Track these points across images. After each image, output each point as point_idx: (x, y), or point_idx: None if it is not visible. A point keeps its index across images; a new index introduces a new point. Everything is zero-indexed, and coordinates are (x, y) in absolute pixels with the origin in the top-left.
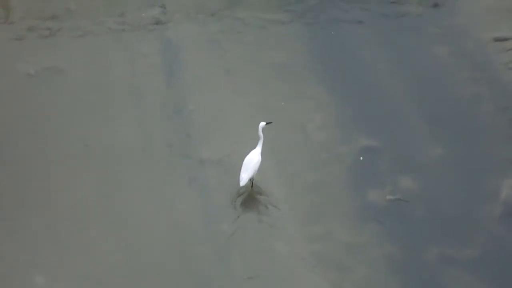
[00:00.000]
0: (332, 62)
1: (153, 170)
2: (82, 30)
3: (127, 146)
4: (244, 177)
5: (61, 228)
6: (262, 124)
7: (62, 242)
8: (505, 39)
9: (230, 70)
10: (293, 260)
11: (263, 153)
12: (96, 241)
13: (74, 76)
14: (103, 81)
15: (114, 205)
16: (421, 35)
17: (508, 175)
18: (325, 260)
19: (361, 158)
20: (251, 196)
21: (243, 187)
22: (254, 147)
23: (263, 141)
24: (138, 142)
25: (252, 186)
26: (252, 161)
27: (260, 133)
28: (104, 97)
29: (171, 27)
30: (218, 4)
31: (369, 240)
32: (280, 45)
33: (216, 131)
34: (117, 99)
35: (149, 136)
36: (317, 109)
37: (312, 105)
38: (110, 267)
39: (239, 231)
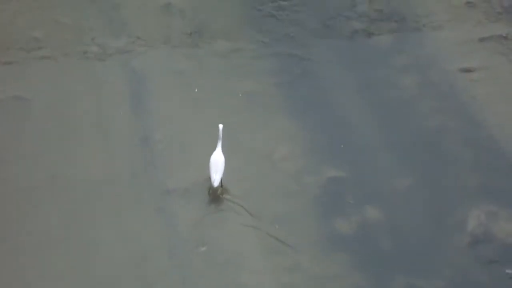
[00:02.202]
0: (299, 92)
1: (119, 201)
2: (48, 59)
3: (92, 176)
4: (217, 178)
5: (24, 260)
6: (221, 126)
7: (24, 275)
8: (471, 70)
9: (197, 100)
10: None
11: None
12: (60, 274)
13: (39, 106)
14: (69, 110)
15: (79, 237)
16: (388, 66)
17: (475, 206)
18: None
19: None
20: (217, 227)
21: (216, 188)
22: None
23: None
24: (103, 172)
25: (221, 186)
26: (219, 161)
27: (220, 134)
28: (69, 127)
29: (137, 56)
30: (185, 34)
31: (336, 271)
32: (248, 75)
33: (182, 161)
34: (83, 128)
35: (115, 166)
36: (283, 139)
37: (278, 136)
38: None
39: (206, 262)
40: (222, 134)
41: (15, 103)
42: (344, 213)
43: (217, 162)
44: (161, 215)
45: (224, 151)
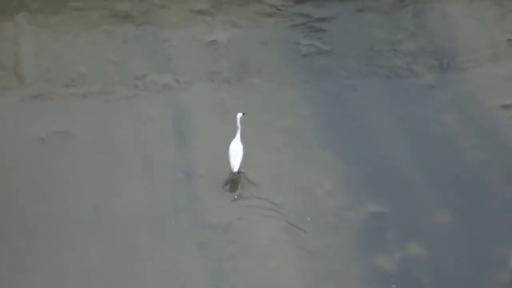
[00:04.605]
0: (341, 127)
1: (162, 235)
2: (93, 94)
3: (135, 210)
4: (236, 163)
5: None
6: (240, 114)
7: None
8: None
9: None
10: None
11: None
12: None
13: (84, 140)
14: (113, 145)
15: (122, 270)
16: (429, 102)
17: None
18: None
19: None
20: (259, 262)
21: (235, 173)
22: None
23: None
24: (147, 206)
25: (239, 172)
26: (238, 149)
27: (238, 124)
28: (113, 161)
29: (181, 92)
30: (228, 70)
31: None
32: (289, 110)
33: (225, 195)
34: (127, 163)
35: (158, 200)
36: (325, 174)
37: (320, 170)
38: None
39: None
40: (241, 124)
41: (60, 137)
42: (385, 249)
43: (236, 149)
44: (204, 249)
45: (266, 186)
